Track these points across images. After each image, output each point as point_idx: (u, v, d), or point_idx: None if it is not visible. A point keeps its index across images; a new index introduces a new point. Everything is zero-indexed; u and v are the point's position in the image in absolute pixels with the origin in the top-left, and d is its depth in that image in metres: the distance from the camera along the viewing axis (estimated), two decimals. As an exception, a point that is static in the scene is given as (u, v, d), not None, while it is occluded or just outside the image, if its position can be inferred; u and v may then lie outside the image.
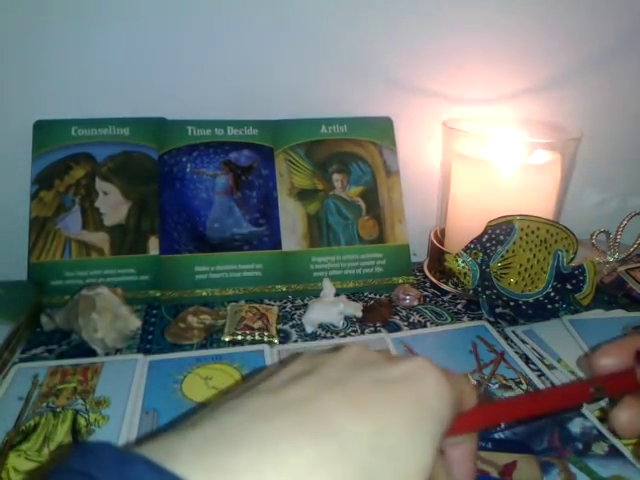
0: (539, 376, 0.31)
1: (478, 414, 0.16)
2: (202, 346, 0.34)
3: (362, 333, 0.36)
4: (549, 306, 0.36)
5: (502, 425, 0.17)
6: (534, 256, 0.35)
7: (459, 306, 0.40)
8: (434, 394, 0.13)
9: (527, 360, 0.33)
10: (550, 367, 0.32)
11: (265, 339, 0.34)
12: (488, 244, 0.35)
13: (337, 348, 0.15)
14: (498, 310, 0.37)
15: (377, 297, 0.41)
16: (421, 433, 0.12)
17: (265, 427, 0.11)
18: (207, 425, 0.11)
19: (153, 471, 0.09)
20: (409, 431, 0.12)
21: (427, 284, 0.43)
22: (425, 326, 0.37)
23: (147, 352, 0.33)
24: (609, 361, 0.16)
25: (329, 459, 0.11)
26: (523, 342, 0.35)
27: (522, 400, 0.18)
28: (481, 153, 0.40)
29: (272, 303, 0.39)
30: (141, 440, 0.11)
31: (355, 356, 0.14)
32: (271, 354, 0.32)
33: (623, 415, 0.16)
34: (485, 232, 0.35)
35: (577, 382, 0.17)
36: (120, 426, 0.26)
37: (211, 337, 0.35)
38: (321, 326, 0.36)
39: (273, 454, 0.10)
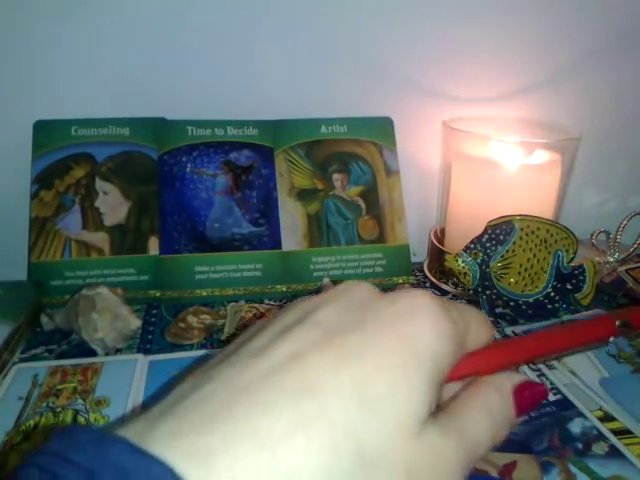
0: (539, 376, 0.31)
1: (489, 352, 0.14)
2: (202, 346, 0.34)
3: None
4: (549, 306, 0.36)
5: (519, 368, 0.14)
6: (534, 256, 0.35)
7: (459, 306, 0.40)
8: (429, 329, 0.12)
9: (527, 360, 0.33)
10: (550, 367, 0.32)
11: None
12: (488, 244, 0.35)
13: (334, 287, 0.14)
14: (498, 310, 0.37)
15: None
16: (412, 377, 0.11)
17: (242, 397, 0.10)
18: (187, 401, 0.11)
19: (131, 452, 0.09)
20: (397, 377, 0.11)
21: (427, 284, 0.43)
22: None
23: (147, 352, 0.33)
24: None
25: (308, 421, 0.10)
26: (523, 342, 0.35)
27: (543, 335, 0.15)
28: (481, 153, 0.40)
29: (272, 303, 0.39)
30: (124, 421, 0.11)
31: (346, 297, 0.13)
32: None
33: None
34: (485, 232, 0.35)
35: (602, 316, 0.15)
36: (120, 426, 0.26)
37: (211, 337, 0.35)
38: (321, 326, 0.36)
39: (248, 426, 0.10)
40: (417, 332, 0.12)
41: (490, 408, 0.13)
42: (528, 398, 0.13)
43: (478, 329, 0.14)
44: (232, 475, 0.09)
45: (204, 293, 0.39)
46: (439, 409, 0.12)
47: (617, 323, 0.15)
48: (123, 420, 0.13)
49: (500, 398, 0.13)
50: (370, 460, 0.10)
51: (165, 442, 0.09)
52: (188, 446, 0.09)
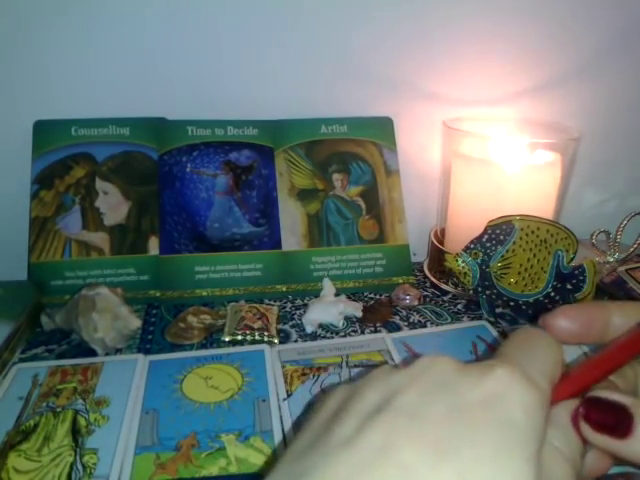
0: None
1: (568, 385, 0.13)
2: (202, 346, 0.34)
3: (362, 333, 0.36)
4: (549, 306, 0.36)
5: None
6: (534, 256, 0.35)
7: (459, 306, 0.40)
8: (520, 411, 0.12)
9: (527, 360, 0.33)
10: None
11: (265, 339, 0.34)
12: (488, 244, 0.35)
13: (409, 362, 0.14)
14: (498, 310, 0.37)
15: (377, 297, 0.41)
16: (512, 462, 0.11)
17: None
18: None
19: None
20: (498, 465, 0.11)
21: (427, 284, 0.43)
22: (425, 326, 0.37)
23: (147, 352, 0.33)
24: (566, 323, 0.15)
25: None
26: (523, 342, 0.35)
27: (601, 357, 0.15)
28: (481, 153, 0.40)
29: (272, 303, 0.39)
30: None
31: (428, 376, 0.13)
32: (271, 354, 0.32)
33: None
34: (485, 232, 0.35)
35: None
36: (120, 426, 0.26)
37: (211, 337, 0.35)
38: (321, 326, 0.36)
39: None
40: (511, 417, 0.12)
41: (560, 450, 0.12)
42: (593, 418, 0.13)
43: (552, 360, 0.14)
44: None
45: (204, 293, 0.39)
46: None
47: None
48: None
49: (562, 433, 0.13)
50: None
51: None
52: None
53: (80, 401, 0.28)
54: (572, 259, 0.36)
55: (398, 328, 0.36)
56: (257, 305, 0.38)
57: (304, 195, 0.42)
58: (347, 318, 0.37)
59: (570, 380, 0.14)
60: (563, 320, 0.15)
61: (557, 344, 0.14)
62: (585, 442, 0.13)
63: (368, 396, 0.13)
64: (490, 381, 0.12)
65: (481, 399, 0.12)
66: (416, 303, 0.39)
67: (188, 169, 0.41)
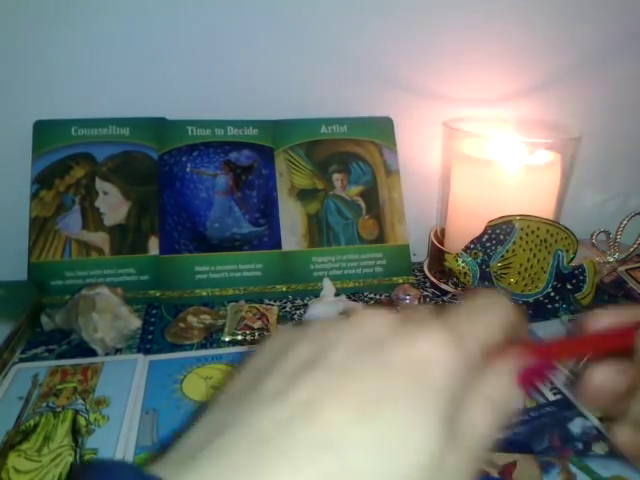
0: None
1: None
2: (202, 346, 0.34)
3: (362, 333, 0.36)
4: (549, 306, 0.36)
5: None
6: (534, 256, 0.35)
7: (459, 306, 0.40)
8: (444, 377, 0.12)
9: (527, 360, 0.33)
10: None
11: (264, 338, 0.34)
12: (488, 244, 0.35)
13: (345, 317, 0.14)
14: (498, 310, 0.37)
15: (377, 297, 0.40)
16: (425, 424, 0.11)
17: (264, 449, 0.11)
18: (212, 448, 0.11)
19: None
20: (411, 425, 0.11)
21: (427, 284, 0.43)
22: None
23: (147, 352, 0.33)
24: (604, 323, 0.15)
25: (329, 476, 0.10)
26: (523, 342, 0.35)
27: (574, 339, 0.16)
28: (481, 153, 0.40)
29: (272, 303, 0.39)
30: (154, 458, 0.11)
31: (361, 333, 0.13)
32: (271, 354, 0.32)
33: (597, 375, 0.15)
34: (485, 232, 0.35)
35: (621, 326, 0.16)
36: (120, 426, 0.26)
37: (211, 337, 0.35)
38: (321, 326, 0.36)
39: (269, 476, 0.10)
40: (432, 382, 0.12)
41: (491, 399, 0.13)
42: (532, 376, 0.14)
43: (495, 323, 0.14)
44: None
45: (204, 293, 0.39)
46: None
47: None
48: (154, 457, 0.14)
49: (497, 382, 0.13)
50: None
51: None
52: None
53: (80, 401, 0.28)
54: (572, 259, 0.36)
55: (398, 328, 0.36)
56: (257, 305, 0.38)
57: (304, 195, 0.42)
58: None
59: (541, 348, 0.14)
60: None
61: (508, 309, 0.15)
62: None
63: (300, 350, 0.13)
64: (420, 344, 0.13)
65: (408, 362, 0.12)
66: (416, 303, 0.39)
67: (188, 169, 0.41)
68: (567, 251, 0.35)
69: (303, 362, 0.13)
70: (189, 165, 0.41)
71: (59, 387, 0.29)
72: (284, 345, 0.14)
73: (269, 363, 0.13)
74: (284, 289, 0.40)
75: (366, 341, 0.13)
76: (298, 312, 0.38)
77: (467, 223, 0.40)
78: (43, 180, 0.39)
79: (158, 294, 0.38)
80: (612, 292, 0.41)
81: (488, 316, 0.14)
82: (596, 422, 0.27)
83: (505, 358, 0.14)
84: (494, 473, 0.24)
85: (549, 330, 0.36)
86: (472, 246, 0.35)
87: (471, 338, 0.13)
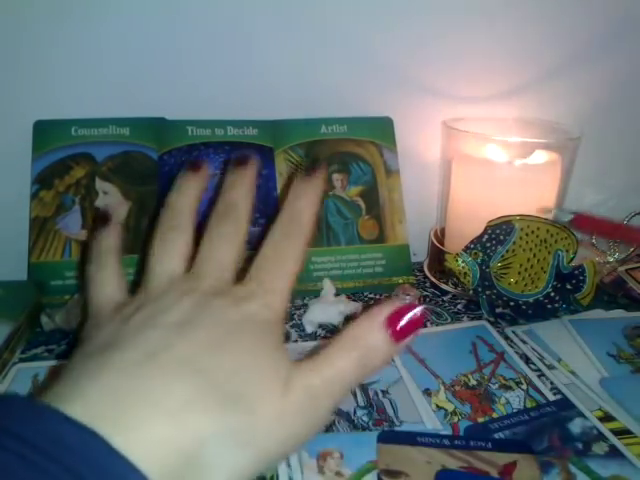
0: (539, 376, 0.31)
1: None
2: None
3: (362, 333, 0.36)
4: (549, 306, 0.36)
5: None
6: (534, 256, 0.35)
7: (459, 306, 0.40)
8: (269, 319, 0.15)
9: (527, 360, 0.33)
10: (550, 367, 0.32)
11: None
12: (488, 244, 0.35)
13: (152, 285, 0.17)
14: (498, 310, 0.37)
15: (377, 297, 0.40)
16: (267, 350, 0.14)
17: (137, 381, 0.12)
18: (88, 385, 0.12)
19: (66, 423, 0.11)
20: (257, 353, 0.14)
21: (427, 284, 0.43)
22: (425, 326, 0.37)
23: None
24: None
25: (201, 393, 0.12)
26: (523, 342, 0.35)
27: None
28: (481, 153, 0.40)
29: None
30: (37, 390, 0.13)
31: (191, 297, 0.15)
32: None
33: None
34: (485, 232, 0.35)
35: None
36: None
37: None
38: (321, 326, 0.36)
39: (150, 402, 0.12)
40: (263, 326, 0.15)
41: (358, 341, 0.15)
42: (403, 324, 0.15)
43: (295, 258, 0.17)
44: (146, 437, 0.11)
45: (204, 293, 0.39)
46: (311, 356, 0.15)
47: None
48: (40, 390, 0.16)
49: (368, 327, 0.15)
50: (257, 421, 0.13)
51: (88, 415, 0.11)
52: (108, 418, 0.11)
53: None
54: (572, 259, 0.36)
55: (398, 328, 0.36)
56: (257, 305, 0.38)
57: (304, 195, 0.42)
58: (347, 318, 0.37)
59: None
60: None
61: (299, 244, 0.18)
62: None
63: (136, 316, 0.15)
64: (244, 306, 0.15)
65: (240, 319, 0.15)
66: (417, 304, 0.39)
67: (188, 169, 0.40)
68: (567, 251, 0.35)
69: (147, 316, 0.15)
70: (189, 165, 0.41)
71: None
72: (117, 312, 0.16)
73: (116, 329, 0.15)
74: (284, 289, 0.40)
75: (198, 303, 0.15)
76: (298, 312, 0.38)
77: (467, 223, 0.40)
78: (43, 180, 0.39)
79: (158, 294, 0.38)
80: (612, 292, 0.41)
81: (288, 258, 0.17)
82: (596, 422, 0.27)
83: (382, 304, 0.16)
84: (494, 473, 0.24)
85: (549, 330, 0.36)
86: (472, 246, 0.35)
87: (280, 282, 0.16)
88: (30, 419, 0.10)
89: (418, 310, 0.15)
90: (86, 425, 0.11)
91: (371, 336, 0.15)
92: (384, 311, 0.15)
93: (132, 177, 0.40)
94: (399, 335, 0.15)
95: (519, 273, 0.35)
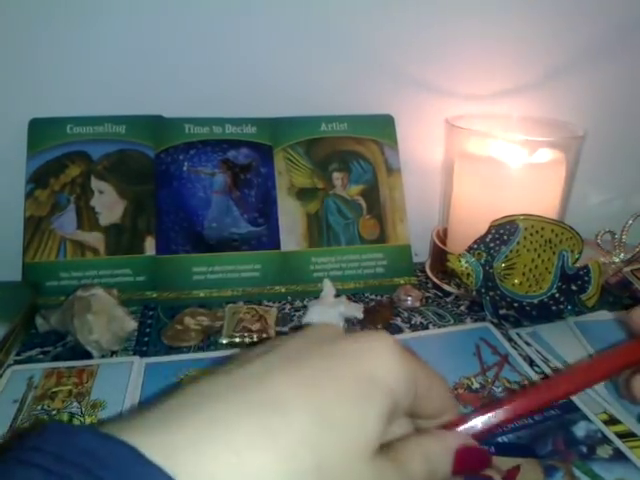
0: (543, 379, 0.31)
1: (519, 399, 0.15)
2: (199, 348, 0.33)
3: (363, 335, 0.35)
4: (554, 307, 0.35)
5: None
6: (538, 256, 0.35)
7: (462, 307, 0.39)
8: (384, 367, 0.13)
9: (531, 363, 0.32)
10: (555, 370, 0.32)
11: (264, 341, 0.33)
12: (492, 244, 0.35)
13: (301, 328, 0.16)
14: (502, 311, 0.37)
15: (378, 298, 0.40)
16: (366, 406, 0.13)
17: (212, 405, 0.12)
18: (160, 407, 0.12)
19: (97, 438, 0.10)
20: (354, 405, 0.12)
21: (429, 285, 0.42)
22: (427, 328, 0.36)
23: (143, 354, 0.32)
24: None
25: (272, 432, 0.11)
26: (527, 344, 0.34)
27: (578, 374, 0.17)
28: (484, 151, 0.39)
29: (271, 304, 0.38)
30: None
31: (314, 333, 0.15)
32: (270, 356, 0.32)
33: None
34: (489, 232, 0.35)
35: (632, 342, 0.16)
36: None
37: (209, 339, 0.34)
38: (321, 327, 0.36)
39: (215, 429, 0.11)
40: (376, 368, 0.13)
41: (429, 456, 0.14)
42: (467, 462, 0.15)
43: (439, 392, 0.15)
44: (196, 471, 0.10)
45: (201, 294, 0.38)
46: (390, 446, 0.14)
47: None
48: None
49: (441, 451, 0.14)
50: (327, 474, 0.11)
51: (132, 436, 0.10)
52: (155, 441, 0.10)
53: (75, 404, 0.27)
54: (577, 259, 0.35)
55: (400, 330, 0.36)
56: (255, 306, 0.37)
57: (304, 194, 0.41)
58: (348, 320, 0.37)
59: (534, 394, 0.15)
60: None
61: (451, 398, 0.16)
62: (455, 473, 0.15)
63: (256, 349, 0.14)
64: (370, 339, 0.14)
65: (355, 348, 0.14)
66: (418, 304, 0.39)
67: (185, 168, 0.40)
68: (572, 251, 0.35)
69: (258, 353, 0.14)
70: (186, 164, 0.40)
71: (54, 390, 0.28)
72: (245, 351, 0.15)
73: (227, 362, 0.14)
74: (283, 290, 0.39)
75: (318, 337, 0.14)
76: (297, 314, 0.37)
77: (470, 223, 0.39)
78: (38, 179, 0.38)
79: (154, 295, 0.38)
80: (617, 293, 0.40)
81: (439, 380, 0.15)
82: (601, 425, 0.27)
83: (454, 429, 0.15)
84: (497, 477, 0.23)
85: (554, 332, 0.35)
86: (475, 246, 0.35)
87: (422, 372, 0.14)
88: (59, 437, 0.10)
89: (485, 458, 0.15)
90: (118, 438, 0.10)
91: (441, 461, 0.14)
92: (458, 439, 0.15)
93: (128, 176, 0.39)
94: (459, 470, 0.14)
95: (523, 274, 0.35)
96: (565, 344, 0.34)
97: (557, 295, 0.35)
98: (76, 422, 0.26)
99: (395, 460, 0.13)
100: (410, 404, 0.14)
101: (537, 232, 0.35)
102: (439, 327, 0.36)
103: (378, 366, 0.13)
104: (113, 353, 0.32)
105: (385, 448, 0.13)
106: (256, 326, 0.34)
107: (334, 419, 0.12)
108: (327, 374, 0.13)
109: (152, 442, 0.10)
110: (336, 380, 0.13)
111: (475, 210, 0.40)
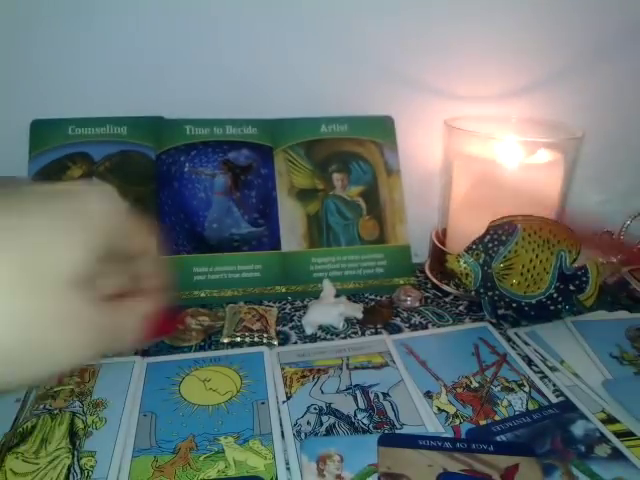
0: (542, 378, 0.31)
1: None
2: (200, 348, 0.33)
3: (362, 334, 0.35)
4: (552, 307, 0.36)
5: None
6: (537, 256, 0.35)
7: (461, 307, 0.39)
8: (96, 205, 0.16)
9: (529, 362, 0.32)
10: (553, 369, 0.32)
11: (264, 341, 0.34)
12: (490, 244, 0.35)
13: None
14: (500, 311, 0.37)
15: (378, 298, 0.40)
16: (73, 237, 0.15)
17: None
18: None
19: None
20: (62, 235, 0.15)
21: (428, 285, 0.43)
22: (426, 328, 0.36)
23: (145, 354, 0.32)
24: None
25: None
26: (525, 344, 0.34)
27: None
28: (483, 152, 0.40)
29: (271, 304, 0.39)
30: None
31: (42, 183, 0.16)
32: (270, 356, 0.32)
33: None
34: (487, 232, 0.35)
35: None
36: (118, 428, 0.26)
37: (209, 339, 0.34)
38: (321, 328, 0.36)
39: None
40: (89, 204, 0.16)
41: (123, 315, 0.17)
42: (155, 327, 0.17)
43: (141, 232, 0.18)
44: None
45: (202, 294, 0.39)
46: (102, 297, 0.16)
47: None
48: None
49: (131, 314, 0.17)
50: (31, 289, 0.14)
51: None
52: None
53: (77, 403, 0.28)
54: (575, 260, 0.35)
55: (399, 330, 0.36)
56: (256, 306, 0.37)
57: (304, 195, 0.41)
58: (347, 320, 0.37)
59: None
60: None
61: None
62: None
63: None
64: (84, 183, 0.17)
65: (65, 189, 0.16)
66: (417, 304, 0.39)
67: (186, 169, 0.40)
68: (570, 252, 0.35)
69: None
70: (187, 165, 0.40)
71: (56, 389, 0.29)
72: None
73: None
74: (283, 290, 0.39)
75: (41, 183, 0.16)
76: (298, 314, 0.38)
77: (469, 223, 0.39)
78: (40, 180, 0.39)
79: (156, 295, 0.38)
80: (615, 293, 0.40)
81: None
82: (599, 424, 0.27)
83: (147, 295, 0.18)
84: (496, 476, 0.23)
85: (552, 332, 0.35)
86: (474, 247, 0.35)
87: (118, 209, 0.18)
88: None
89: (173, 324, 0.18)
90: None
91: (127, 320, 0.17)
92: (148, 306, 0.18)
93: (129, 177, 0.40)
94: (148, 334, 0.17)
95: (521, 274, 0.35)
96: (563, 343, 0.34)
97: (555, 295, 0.35)
98: (78, 422, 0.27)
99: (93, 301, 0.15)
100: (119, 243, 0.17)
101: (535, 232, 0.35)
102: (438, 327, 0.36)
103: (90, 203, 0.16)
104: (115, 352, 0.33)
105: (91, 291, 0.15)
106: (257, 326, 0.35)
107: (43, 242, 0.14)
108: (42, 206, 0.15)
109: None
110: (46, 212, 0.15)
111: (474, 211, 0.40)
